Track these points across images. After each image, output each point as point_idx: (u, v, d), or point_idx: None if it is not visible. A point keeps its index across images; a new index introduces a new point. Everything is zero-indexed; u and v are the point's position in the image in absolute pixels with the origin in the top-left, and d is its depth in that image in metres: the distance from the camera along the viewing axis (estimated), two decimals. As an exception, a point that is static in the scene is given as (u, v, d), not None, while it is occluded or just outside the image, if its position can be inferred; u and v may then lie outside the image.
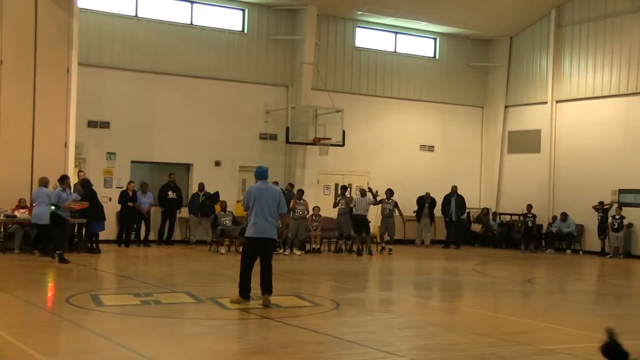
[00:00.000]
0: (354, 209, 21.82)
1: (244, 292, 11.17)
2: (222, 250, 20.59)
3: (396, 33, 27.46)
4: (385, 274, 18.13)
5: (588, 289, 16.97)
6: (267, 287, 11.17)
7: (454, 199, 25.77)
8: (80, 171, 20.86)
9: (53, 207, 16.79)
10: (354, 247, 22.05)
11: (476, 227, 26.91)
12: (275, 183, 19.59)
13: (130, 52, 22.93)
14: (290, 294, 12.68)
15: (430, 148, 28.05)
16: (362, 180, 26.60)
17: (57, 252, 16.54)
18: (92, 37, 22.18)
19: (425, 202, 25.91)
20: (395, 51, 27.52)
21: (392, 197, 22.79)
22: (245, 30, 24.74)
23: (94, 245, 19.21)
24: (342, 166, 26.10)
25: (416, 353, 8.43)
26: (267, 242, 11.26)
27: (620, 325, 8.38)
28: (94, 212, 19.08)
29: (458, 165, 28.20)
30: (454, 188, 25.89)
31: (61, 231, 17.02)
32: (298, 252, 21.13)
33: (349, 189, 23.43)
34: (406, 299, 13.41)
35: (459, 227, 25.95)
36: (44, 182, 18.15)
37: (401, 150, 27.26)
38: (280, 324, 9.80)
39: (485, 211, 27.29)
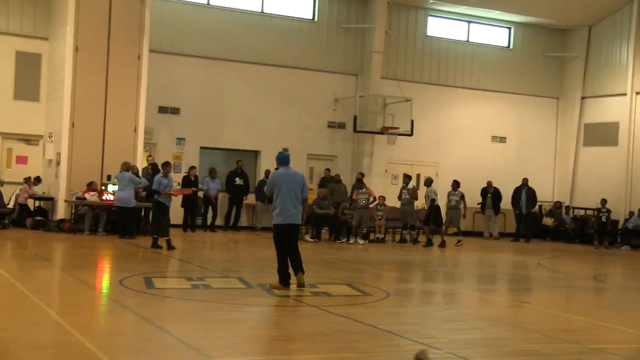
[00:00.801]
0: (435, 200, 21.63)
1: (284, 278, 11.32)
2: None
3: (469, 22, 27.05)
4: (446, 265, 17.91)
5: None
6: (299, 267, 11.39)
7: (525, 191, 25.22)
8: (149, 156, 21.28)
9: (155, 195, 16.44)
10: (420, 238, 21.87)
11: (548, 221, 26.29)
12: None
13: (202, 40, 23.25)
14: (343, 283, 12.65)
15: (502, 139, 27.56)
16: (430, 170, 26.34)
17: (166, 238, 16.17)
18: (165, 24, 22.60)
19: (487, 193, 25.44)
20: (468, 40, 27.13)
21: (458, 189, 22.46)
22: (316, 19, 24.79)
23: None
24: (411, 156, 25.92)
25: (455, 346, 8.28)
26: (295, 228, 11.53)
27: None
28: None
29: (531, 158, 27.62)
30: (525, 180, 25.34)
31: (164, 218, 16.49)
32: (361, 242, 21.05)
33: (411, 179, 23.14)
34: (460, 291, 13.22)
35: (529, 220, 25.41)
36: (127, 167, 18.68)
37: (472, 141, 26.87)
38: (324, 312, 9.78)
39: (557, 205, 26.64)
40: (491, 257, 20.29)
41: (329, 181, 23.26)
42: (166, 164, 16.98)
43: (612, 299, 13.70)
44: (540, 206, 26.75)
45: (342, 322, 9.20)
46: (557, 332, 9.30)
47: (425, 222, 21.72)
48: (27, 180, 20.44)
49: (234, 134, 23.62)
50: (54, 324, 8.12)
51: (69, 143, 19.53)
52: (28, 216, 20.07)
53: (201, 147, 23.37)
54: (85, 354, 6.85)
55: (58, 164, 19.86)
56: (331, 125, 25.00)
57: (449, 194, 22.49)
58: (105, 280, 12.07)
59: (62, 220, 19.37)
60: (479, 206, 25.66)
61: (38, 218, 19.88)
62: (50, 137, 20.60)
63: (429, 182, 22.04)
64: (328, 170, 24.08)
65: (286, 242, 11.43)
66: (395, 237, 22.60)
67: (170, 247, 16.10)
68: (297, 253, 11.47)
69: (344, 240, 21.15)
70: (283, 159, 11.72)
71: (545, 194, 27.30)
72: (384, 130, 24.12)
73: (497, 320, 10.02)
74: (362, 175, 23.08)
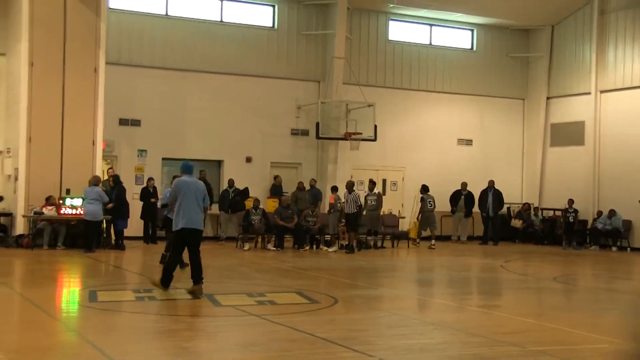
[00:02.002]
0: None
1: (167, 280, 11.68)
2: (246, 247, 20.56)
3: (431, 25, 27.05)
4: (406, 270, 17.85)
5: (618, 288, 16.09)
6: (196, 277, 11.54)
7: (491, 193, 25.21)
8: (110, 168, 21.08)
9: (164, 208, 15.77)
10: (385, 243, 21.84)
11: (516, 223, 26.25)
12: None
13: (161, 51, 23.12)
14: (293, 291, 12.54)
15: (469, 142, 27.55)
16: (397, 175, 26.33)
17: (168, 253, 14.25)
18: (123, 36, 22.47)
19: (461, 195, 25.41)
20: (430, 44, 27.11)
21: (428, 193, 22.52)
22: (276, 26, 24.70)
23: (120, 241, 19.41)
24: (376, 161, 25.86)
25: (390, 353, 8.19)
26: (195, 233, 11.79)
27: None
28: (120, 209, 19.40)
29: (498, 160, 27.62)
30: (491, 183, 25.34)
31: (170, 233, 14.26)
32: (332, 249, 20.98)
33: (376, 185, 23.12)
34: (411, 296, 13.14)
35: (497, 222, 25.37)
36: (96, 181, 18.73)
37: (438, 144, 26.84)
38: (265, 321, 9.67)
39: (526, 206, 26.63)
40: (455, 260, 20.23)
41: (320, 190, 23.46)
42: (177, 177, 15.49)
43: (567, 300, 13.66)
44: (508, 208, 26.75)
45: (280, 331, 9.09)
46: (501, 335, 9.22)
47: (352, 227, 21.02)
48: (-13, 196, 20.27)
49: (197, 144, 23.46)
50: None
51: (27, 158, 19.30)
52: (-15, 233, 19.83)
53: (163, 158, 23.19)
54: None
55: (16, 179, 19.64)
56: (294, 132, 24.89)
57: (423, 199, 22.52)
58: (47, 296, 11.84)
59: (20, 236, 19.13)
60: (450, 210, 25.59)
61: (-4, 234, 19.66)
62: (8, 152, 20.38)
63: (350, 185, 21.30)
64: (314, 180, 23.89)
65: (182, 246, 11.78)
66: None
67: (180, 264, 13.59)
68: (198, 261, 11.65)
69: (307, 247, 21.04)
70: (187, 167, 12.17)
71: (514, 195, 27.33)
72: (346, 136, 24.04)
73: (442, 325, 9.93)
74: (315, 181, 23.42)
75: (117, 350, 7.75)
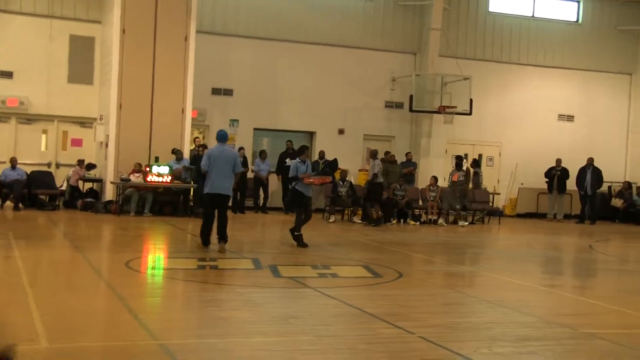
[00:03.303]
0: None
1: (205, 240, 12.88)
2: (332, 219, 20.39)
3: (534, -5, 25.97)
4: (487, 247, 17.22)
5: None
6: (222, 236, 12.69)
7: (590, 171, 24.04)
8: (196, 137, 21.28)
9: (293, 182, 15.02)
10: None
11: (617, 202, 25.03)
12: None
13: (255, 20, 23.13)
14: (360, 264, 12.28)
15: (570, 118, 26.38)
16: (493, 150, 25.55)
17: (295, 232, 14.27)
18: (218, 5, 22.64)
19: (556, 171, 24.36)
20: (533, 16, 26.01)
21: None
22: (371, -4, 24.27)
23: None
24: (472, 136, 25.17)
25: (432, 331, 7.80)
26: (222, 197, 12.82)
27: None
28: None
29: (600, 137, 26.36)
30: (590, 160, 24.15)
31: (300, 209, 14.29)
32: (412, 223, 20.55)
33: (465, 160, 22.48)
34: (481, 273, 12.60)
35: (595, 201, 24.20)
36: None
37: (537, 119, 25.83)
38: (318, 294, 9.46)
39: (627, 185, 25.30)
40: (542, 238, 19.43)
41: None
42: (304, 148, 14.79)
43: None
44: (609, 187, 25.51)
45: (328, 304, 8.87)
46: (556, 316, 8.73)
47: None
48: (80, 162, 20.82)
49: (288, 115, 23.42)
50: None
51: (117, 125, 19.74)
52: (79, 198, 20.41)
53: (255, 129, 23.29)
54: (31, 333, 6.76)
55: (106, 146, 20.13)
56: (388, 105, 24.49)
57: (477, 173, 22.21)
58: (110, 260, 12.03)
59: (109, 202, 19.62)
60: (547, 186, 24.66)
61: (88, 200, 20.19)
62: (100, 119, 20.89)
63: (374, 154, 20.84)
64: (388, 152, 23.50)
65: (212, 210, 12.83)
66: (449, 219, 21.95)
67: (300, 243, 14.01)
68: (224, 223, 12.79)
69: (394, 222, 20.68)
70: (221, 136, 13.05)
71: (616, 174, 26.01)
72: (440, 110, 23.46)
73: (498, 304, 9.43)
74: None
75: (151, 317, 7.72)
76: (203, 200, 13.35)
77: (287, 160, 21.53)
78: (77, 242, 14.03)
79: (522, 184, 25.48)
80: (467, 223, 21.28)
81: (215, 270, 11.16)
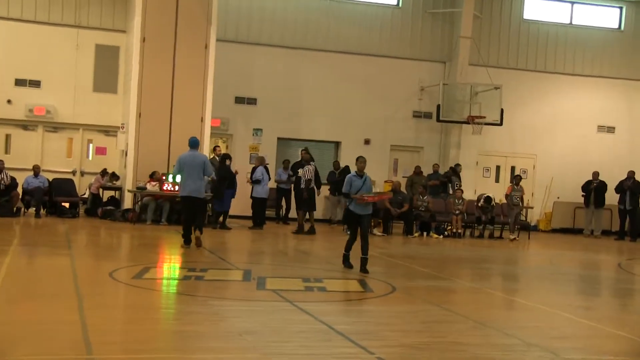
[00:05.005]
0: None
1: (186, 239, 14.00)
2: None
3: (573, 3, 25.10)
4: (501, 263, 16.44)
5: None
6: (198, 226, 14.10)
7: (630, 185, 23.01)
8: (216, 146, 21.04)
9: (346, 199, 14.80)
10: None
11: (659, 218, 23.88)
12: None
13: (279, 28, 22.87)
14: (355, 278, 11.78)
15: (610, 129, 25.39)
16: (527, 163, 24.74)
17: (344, 251, 12.68)
18: (242, 13, 22.41)
19: (592, 185, 23.41)
20: (571, 23, 25.16)
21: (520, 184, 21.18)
22: (400, 4, 23.77)
23: (223, 221, 19.15)
24: (504, 147, 24.44)
25: (395, 351, 7.30)
26: (196, 200, 14.04)
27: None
28: (221, 190, 19.02)
29: (643, 149, 25.25)
30: (631, 173, 23.09)
31: (354, 230, 12.56)
32: (435, 236, 19.95)
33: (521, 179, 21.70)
34: (482, 290, 11.95)
35: (635, 216, 23.14)
36: (261, 162, 19.65)
37: (574, 131, 24.91)
38: (294, 308, 9.00)
39: (670, 201, 24.16)
40: (571, 255, 18.57)
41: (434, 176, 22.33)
42: (360, 160, 12.53)
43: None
44: (652, 201, 24.42)
45: (295, 320, 8.43)
46: (541, 339, 8.09)
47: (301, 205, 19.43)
48: (103, 172, 20.82)
49: (313, 125, 23.06)
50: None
51: (136, 133, 19.63)
52: (100, 206, 20.36)
53: (278, 138, 22.97)
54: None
55: (126, 154, 20.04)
56: (416, 114, 23.92)
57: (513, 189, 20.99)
58: (94, 269, 11.75)
59: (127, 210, 19.50)
60: (583, 200, 23.74)
61: (108, 207, 20.12)
62: (122, 128, 20.82)
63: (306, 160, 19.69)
64: (437, 165, 22.84)
65: (189, 210, 14.19)
66: (475, 232, 21.25)
67: (348, 265, 12.54)
68: (200, 220, 14.33)
69: (416, 234, 20.09)
70: (193, 143, 14.50)
71: (659, 188, 24.90)
72: (469, 120, 22.79)
73: (484, 324, 8.83)
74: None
75: (100, 330, 7.37)
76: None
77: (299, 170, 19.96)
78: (75, 249, 13.88)
79: (557, 197, 24.63)
80: (515, 237, 20.61)
81: (199, 282, 10.78)
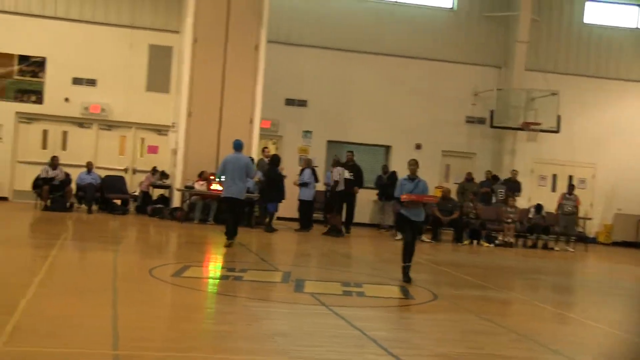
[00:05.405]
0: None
1: (229, 234, 14.18)
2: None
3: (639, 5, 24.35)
4: (553, 274, 15.97)
5: None
6: (232, 233, 14.18)
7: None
8: (264, 148, 20.98)
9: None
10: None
11: None
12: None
13: (331, 31, 22.75)
14: (396, 285, 11.53)
15: (681, 139, 24.51)
16: (585, 172, 24.07)
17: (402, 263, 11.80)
18: (294, 15, 22.33)
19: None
20: (638, 27, 24.40)
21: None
22: (455, 7, 23.40)
23: (269, 223, 18.97)
24: (561, 155, 23.83)
25: (428, 360, 7.10)
26: (235, 201, 14.34)
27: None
28: (271, 191, 18.87)
29: None
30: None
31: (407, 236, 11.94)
32: (485, 244, 19.57)
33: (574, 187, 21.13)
34: (529, 302, 11.57)
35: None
36: (308, 164, 19.35)
37: (638, 140, 24.07)
38: (328, 313, 8.83)
39: None
40: (631, 269, 17.94)
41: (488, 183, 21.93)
42: (410, 163, 11.92)
43: None
44: None
45: (329, 325, 8.23)
46: (584, 356, 7.78)
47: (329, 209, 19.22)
48: (153, 170, 21.01)
49: (364, 128, 22.85)
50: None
51: (186, 133, 19.70)
52: (149, 204, 20.50)
53: (328, 141, 22.82)
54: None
55: (175, 153, 20.13)
56: (469, 120, 23.52)
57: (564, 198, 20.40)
58: (135, 265, 11.73)
59: (175, 209, 19.57)
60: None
61: (157, 206, 20.24)
62: (173, 127, 20.94)
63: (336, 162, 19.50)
64: (489, 172, 22.43)
65: (229, 211, 14.55)
66: (527, 242, 20.75)
67: (407, 279, 11.69)
68: (237, 222, 14.40)
69: (466, 242, 19.71)
70: (237, 145, 14.70)
71: None
72: (524, 126, 22.28)
73: (528, 337, 8.46)
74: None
75: (130, 326, 7.30)
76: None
77: (346, 172, 19.44)
78: (120, 245, 13.97)
79: (619, 209, 23.90)
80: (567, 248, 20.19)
81: (237, 282, 10.67)
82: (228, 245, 14.01)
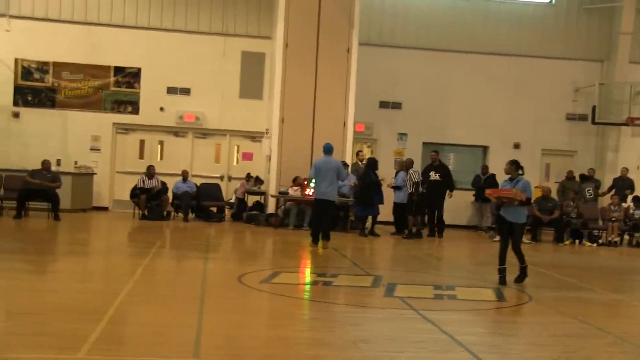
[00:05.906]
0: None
1: (314, 240, 14.72)
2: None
3: None
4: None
5: None
6: (325, 235, 14.64)
7: None
8: (359, 151, 20.79)
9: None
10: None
11: None
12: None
13: (424, 31, 22.38)
14: (490, 287, 11.15)
15: None
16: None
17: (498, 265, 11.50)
18: (385, 16, 22.10)
19: None
20: None
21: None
22: (554, 1, 22.63)
23: (372, 228, 18.59)
24: (672, 152, 22.67)
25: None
26: (326, 203, 14.76)
27: None
28: (364, 195, 18.54)
29: None
30: None
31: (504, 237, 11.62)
32: (587, 244, 18.87)
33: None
34: (631, 303, 10.98)
35: None
36: (401, 166, 19.07)
37: None
38: (417, 317, 8.57)
39: None
40: None
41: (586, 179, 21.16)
42: (506, 163, 11.60)
43: None
44: None
45: (416, 329, 8.00)
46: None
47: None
48: (248, 176, 21.16)
49: (460, 129, 22.37)
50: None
51: (279, 139, 19.74)
52: (245, 210, 20.65)
53: (424, 143, 22.45)
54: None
55: (269, 159, 20.20)
56: (570, 117, 22.69)
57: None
58: (224, 272, 11.73)
59: (270, 215, 19.63)
60: None
61: (252, 212, 20.37)
62: (266, 133, 21.04)
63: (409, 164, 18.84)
64: (592, 169, 21.63)
65: (318, 213, 14.93)
66: (633, 241, 19.83)
67: (502, 282, 11.33)
68: (328, 225, 14.84)
69: (567, 242, 18.99)
70: (327, 149, 15.03)
71: None
72: (628, 122, 21.33)
73: (626, 340, 7.99)
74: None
75: (214, 334, 7.26)
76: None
77: (432, 173, 19.22)
78: (213, 253, 14.07)
79: None
80: None
81: (326, 287, 10.54)
82: (324, 247, 14.49)
